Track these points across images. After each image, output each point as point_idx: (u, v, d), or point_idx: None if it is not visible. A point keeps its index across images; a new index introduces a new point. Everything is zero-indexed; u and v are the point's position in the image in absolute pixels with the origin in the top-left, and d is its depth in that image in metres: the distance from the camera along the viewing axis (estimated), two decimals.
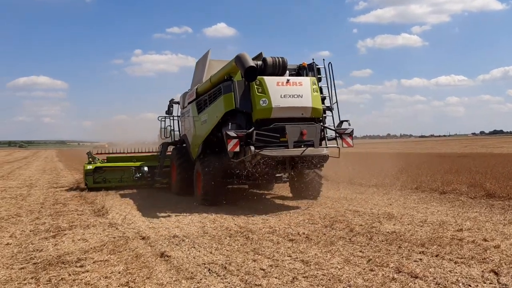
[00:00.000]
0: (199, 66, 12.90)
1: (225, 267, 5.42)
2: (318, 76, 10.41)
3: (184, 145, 13.17)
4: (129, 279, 5.02)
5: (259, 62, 9.85)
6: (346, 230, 7.56)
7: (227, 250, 6.28)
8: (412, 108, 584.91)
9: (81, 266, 5.52)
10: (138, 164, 14.39)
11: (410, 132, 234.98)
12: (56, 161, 40.17)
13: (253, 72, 9.33)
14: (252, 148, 9.14)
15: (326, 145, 10.07)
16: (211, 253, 6.16)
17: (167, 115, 14.79)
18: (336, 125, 10.25)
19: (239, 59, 9.49)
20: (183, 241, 6.90)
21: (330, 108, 10.34)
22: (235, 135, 9.16)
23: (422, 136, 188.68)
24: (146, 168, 14.16)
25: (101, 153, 16.29)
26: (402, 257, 5.81)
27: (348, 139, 10.09)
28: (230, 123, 9.68)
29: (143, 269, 5.39)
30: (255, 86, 9.42)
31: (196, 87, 12.08)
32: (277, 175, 10.77)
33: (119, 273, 5.22)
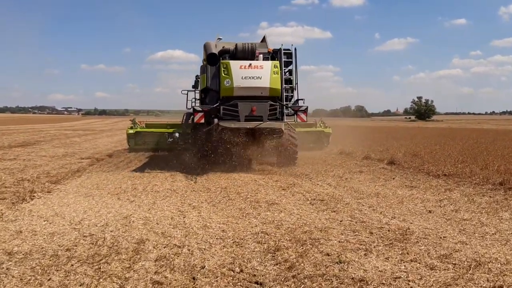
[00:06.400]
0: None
1: None
2: (290, 60, 11.55)
3: None
4: None
5: (232, 47, 11.37)
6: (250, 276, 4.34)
7: None
8: None
9: None
10: (171, 130, 15.81)
11: None
12: None
13: (213, 57, 10.96)
14: (216, 120, 10.76)
15: (284, 119, 11.12)
16: None
17: (191, 89, 15.62)
18: (293, 103, 11.45)
19: (204, 47, 11.52)
20: None
21: (293, 88, 11.48)
22: (200, 109, 11.03)
23: None
24: (177, 134, 15.37)
25: (143, 121, 17.84)
26: None
27: (302, 115, 11.26)
28: (196, 99, 12.18)
29: None
30: (222, 69, 10.73)
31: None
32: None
33: None
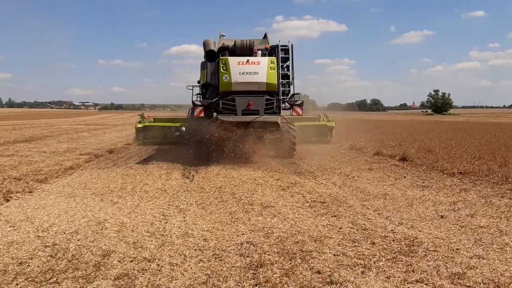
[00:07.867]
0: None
1: None
2: (287, 56, 12.02)
3: None
4: None
5: (231, 44, 11.83)
6: None
7: None
8: None
9: None
10: (177, 124, 15.90)
11: None
12: None
13: (212, 54, 11.50)
14: (215, 114, 11.22)
15: (281, 113, 11.47)
16: None
17: (196, 85, 15.58)
18: (289, 97, 11.84)
19: (203, 44, 11.83)
20: None
21: (289, 83, 11.91)
22: (200, 104, 11.45)
23: None
24: (183, 128, 15.26)
25: (151, 116, 18.05)
26: None
27: (298, 109, 11.62)
28: (198, 94, 12.68)
29: None
30: (221, 65, 11.10)
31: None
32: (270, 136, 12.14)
33: None
